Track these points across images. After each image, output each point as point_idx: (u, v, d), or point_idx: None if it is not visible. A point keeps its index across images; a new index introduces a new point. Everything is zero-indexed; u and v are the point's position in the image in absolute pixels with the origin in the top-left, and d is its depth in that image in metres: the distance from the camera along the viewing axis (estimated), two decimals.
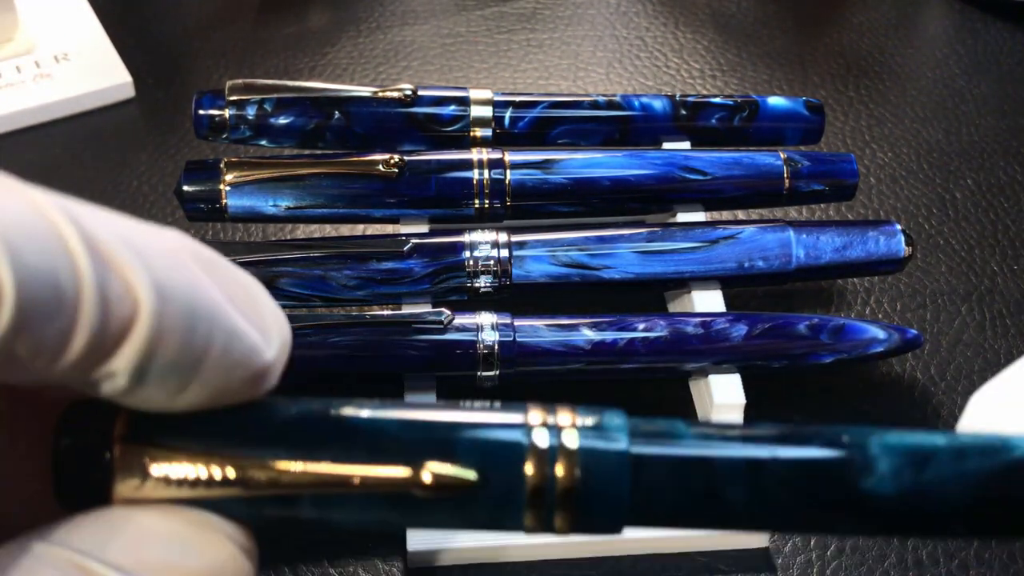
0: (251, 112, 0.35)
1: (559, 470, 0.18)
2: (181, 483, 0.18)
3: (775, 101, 0.38)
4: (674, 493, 0.19)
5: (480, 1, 0.52)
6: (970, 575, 0.31)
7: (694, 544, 0.31)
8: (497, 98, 0.37)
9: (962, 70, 0.48)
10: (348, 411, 0.19)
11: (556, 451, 0.18)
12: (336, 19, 0.50)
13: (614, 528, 0.19)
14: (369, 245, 0.33)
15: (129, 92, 0.45)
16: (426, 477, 0.18)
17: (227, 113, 0.35)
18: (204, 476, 0.18)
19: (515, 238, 0.34)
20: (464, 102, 0.37)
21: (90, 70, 0.45)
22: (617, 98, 0.38)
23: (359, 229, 0.40)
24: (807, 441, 0.19)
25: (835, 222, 0.36)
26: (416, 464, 0.18)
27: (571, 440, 0.18)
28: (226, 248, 0.33)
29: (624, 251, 0.34)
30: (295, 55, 0.48)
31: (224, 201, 0.34)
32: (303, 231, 0.40)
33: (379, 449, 0.19)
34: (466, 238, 0.34)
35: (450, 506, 0.18)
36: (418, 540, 0.30)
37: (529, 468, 0.18)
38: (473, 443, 0.18)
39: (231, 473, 0.18)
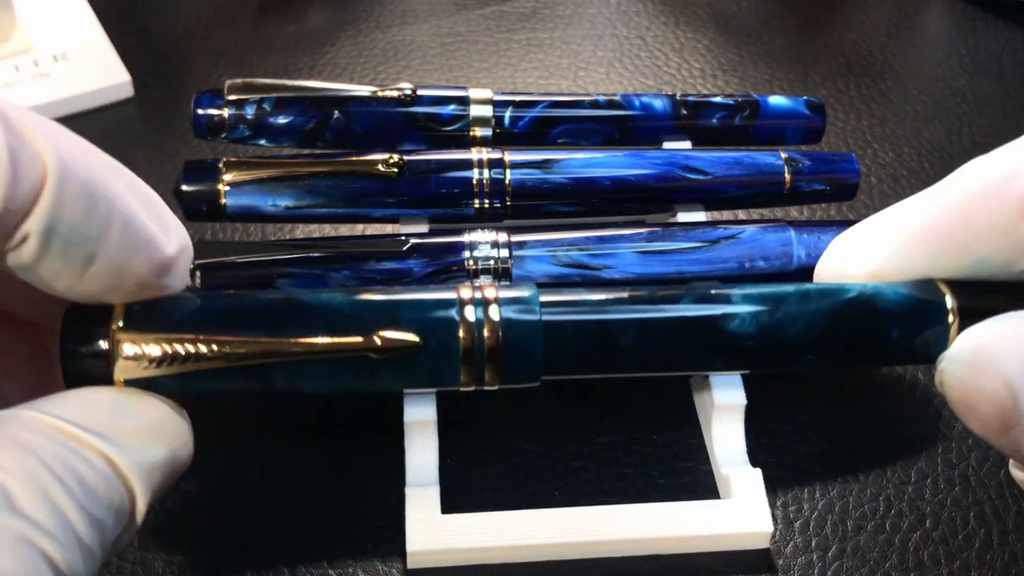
0: (250, 112, 0.35)
1: (486, 334, 0.23)
2: (173, 361, 0.22)
3: (776, 100, 0.38)
4: (579, 349, 0.24)
5: (480, 1, 0.52)
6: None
7: (694, 545, 0.31)
8: (497, 98, 0.37)
9: (963, 70, 0.48)
10: (308, 297, 0.23)
11: (483, 322, 0.23)
12: (335, 19, 0.50)
13: (533, 378, 0.24)
14: (369, 245, 0.33)
15: (128, 92, 0.45)
16: (377, 341, 0.23)
17: (226, 112, 0.35)
18: (193, 352, 0.22)
19: (515, 238, 0.34)
20: (464, 102, 0.37)
21: (89, 70, 0.45)
22: (617, 97, 0.38)
23: (359, 229, 0.40)
24: (683, 299, 0.24)
25: (836, 222, 0.35)
26: (368, 334, 0.23)
27: (495, 313, 0.23)
28: (226, 248, 0.33)
29: (624, 251, 0.34)
30: (295, 55, 0.48)
31: (223, 201, 0.34)
32: (303, 231, 0.40)
33: (337, 324, 0.23)
34: (466, 238, 0.34)
35: (398, 366, 0.23)
36: (418, 540, 0.30)
37: (461, 334, 0.23)
38: (414, 317, 0.23)
39: (215, 349, 0.22)
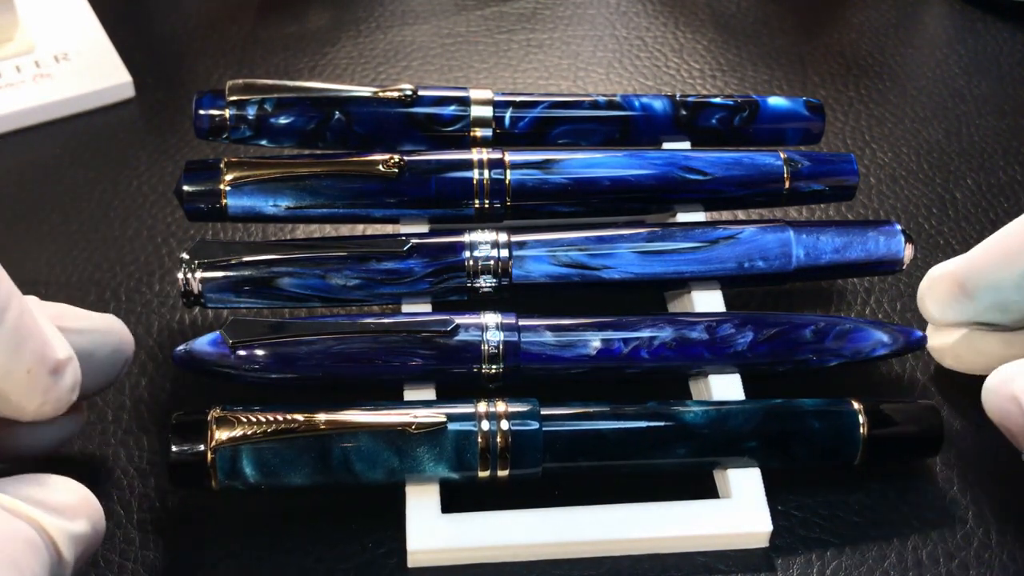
0: (251, 112, 0.35)
1: (498, 440, 0.30)
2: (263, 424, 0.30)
3: (775, 101, 0.38)
4: (570, 448, 0.30)
5: (480, 1, 0.52)
6: (970, 574, 0.31)
7: (694, 544, 0.31)
8: (497, 98, 0.37)
9: (962, 70, 0.48)
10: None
11: (496, 433, 0.30)
12: (336, 19, 0.50)
13: (536, 468, 0.30)
14: (369, 245, 0.33)
15: (129, 92, 0.45)
16: (414, 419, 0.30)
17: (227, 113, 0.35)
18: (272, 426, 0.30)
19: (515, 238, 0.34)
20: (464, 102, 0.37)
21: (90, 70, 0.45)
22: (617, 98, 0.38)
23: (359, 229, 0.40)
24: (649, 403, 0.31)
25: (835, 222, 0.36)
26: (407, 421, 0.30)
27: (505, 425, 0.30)
28: (226, 248, 0.33)
29: (624, 251, 0.34)
30: (295, 55, 0.48)
31: (224, 201, 0.34)
32: (303, 231, 0.40)
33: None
34: (466, 238, 0.34)
35: (429, 443, 0.30)
36: (418, 540, 0.30)
37: (479, 440, 0.30)
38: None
39: (290, 419, 0.30)
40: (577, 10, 0.51)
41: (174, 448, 0.29)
